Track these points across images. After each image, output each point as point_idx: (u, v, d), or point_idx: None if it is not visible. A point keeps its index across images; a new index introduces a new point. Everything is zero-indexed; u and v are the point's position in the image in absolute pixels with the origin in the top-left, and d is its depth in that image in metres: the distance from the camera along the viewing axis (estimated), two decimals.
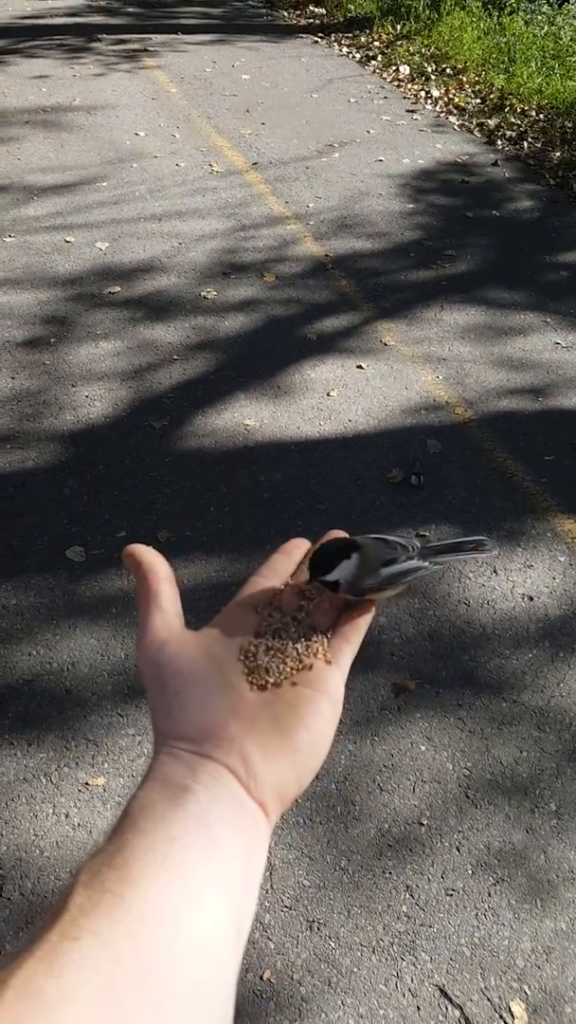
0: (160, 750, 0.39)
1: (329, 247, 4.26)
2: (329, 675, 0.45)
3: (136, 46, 7.47)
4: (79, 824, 1.84)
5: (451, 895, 1.75)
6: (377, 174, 5.15)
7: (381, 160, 5.37)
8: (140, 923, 0.32)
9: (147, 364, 3.32)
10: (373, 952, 1.66)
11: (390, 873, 1.78)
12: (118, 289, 3.77)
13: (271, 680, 0.43)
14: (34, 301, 3.64)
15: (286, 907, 1.73)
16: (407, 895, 1.75)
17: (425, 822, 1.88)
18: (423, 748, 2.02)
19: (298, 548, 0.53)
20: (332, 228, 4.46)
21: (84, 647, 2.21)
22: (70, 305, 3.64)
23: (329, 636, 0.47)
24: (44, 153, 5.10)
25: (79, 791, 1.90)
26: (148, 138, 5.43)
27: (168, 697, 0.41)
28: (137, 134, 5.48)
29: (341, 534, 0.52)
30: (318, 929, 1.70)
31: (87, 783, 1.91)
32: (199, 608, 2.32)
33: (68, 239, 4.14)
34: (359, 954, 1.66)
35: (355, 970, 1.64)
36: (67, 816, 1.85)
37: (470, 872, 1.80)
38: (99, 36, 7.65)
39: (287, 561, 0.52)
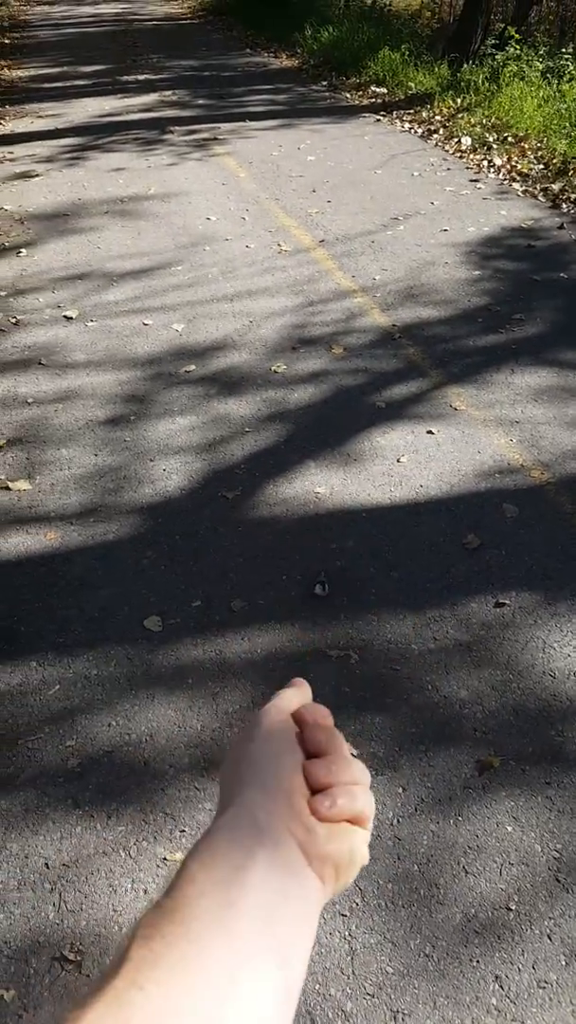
0: (237, 793, 0.42)
1: (396, 317, 4.35)
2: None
3: (206, 135, 7.90)
4: None
5: (544, 988, 1.66)
6: (442, 243, 5.26)
7: (446, 230, 5.48)
8: (201, 981, 0.34)
9: (220, 437, 3.42)
10: None
11: (477, 961, 1.71)
12: (193, 367, 3.92)
13: None
14: (115, 381, 3.81)
15: (368, 995, 1.67)
16: (496, 986, 1.67)
17: (513, 907, 1.80)
18: (509, 828, 1.95)
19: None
20: (399, 298, 4.56)
21: (161, 718, 2.24)
22: (148, 384, 3.80)
23: None
24: (122, 241, 5.40)
25: (157, 866, 1.90)
26: (219, 222, 5.70)
27: (262, 755, 0.44)
28: (209, 218, 5.76)
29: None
30: (402, 1020, 1.63)
31: (165, 858, 1.91)
32: (274, 678, 2.33)
33: (146, 322, 4.35)
34: None
35: None
36: (146, 892, 1.85)
37: (564, 963, 1.70)
38: (171, 128, 8.14)
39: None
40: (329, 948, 1.74)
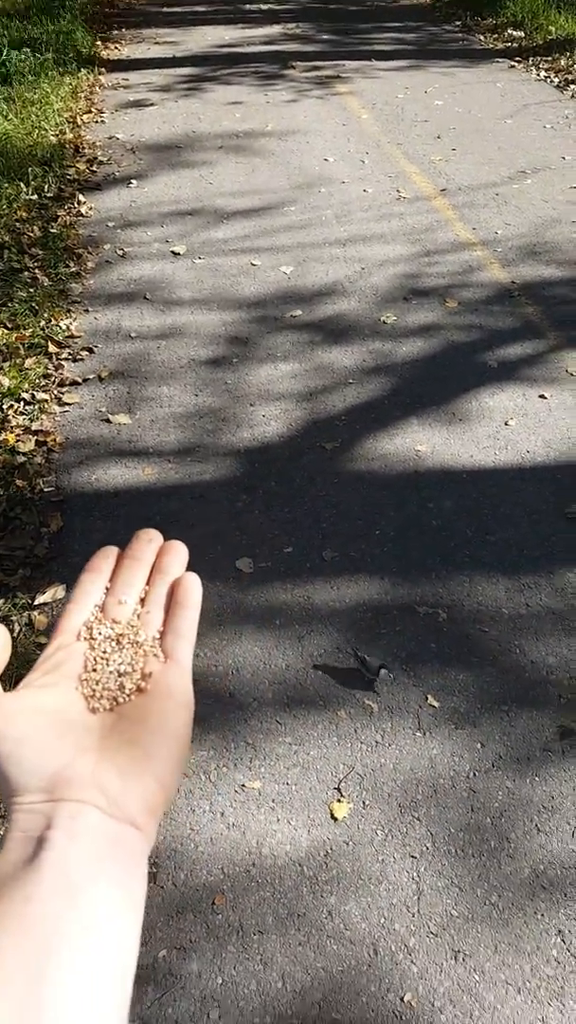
0: (13, 811, 0.39)
1: (516, 274, 4.33)
2: (171, 674, 0.46)
3: (329, 72, 7.88)
4: (233, 824, 2.00)
5: None
6: (571, 201, 5.17)
7: None
8: None
9: (322, 386, 3.52)
10: (519, 992, 1.70)
11: (542, 915, 1.82)
12: (299, 312, 4.02)
13: (115, 697, 0.45)
14: (219, 322, 3.96)
15: (432, 934, 1.80)
16: (559, 939, 1.77)
17: None
18: None
19: (106, 561, 0.52)
20: (520, 255, 4.53)
21: (248, 654, 2.40)
22: (253, 327, 3.93)
23: (160, 636, 0.48)
24: (235, 177, 5.51)
25: (235, 792, 2.06)
26: (337, 163, 5.74)
27: (1, 764, 0.41)
28: (326, 159, 5.80)
29: (154, 533, 0.54)
30: (463, 960, 1.76)
31: (244, 785, 2.08)
32: (359, 628, 2.46)
33: (254, 262, 4.47)
34: (504, 991, 1.70)
35: (498, 1007, 1.68)
36: (222, 815, 2.02)
37: None
38: (293, 63, 8.14)
39: (99, 580, 0.51)
40: (397, 885, 1.88)
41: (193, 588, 0.51)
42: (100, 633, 0.48)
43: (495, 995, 1.70)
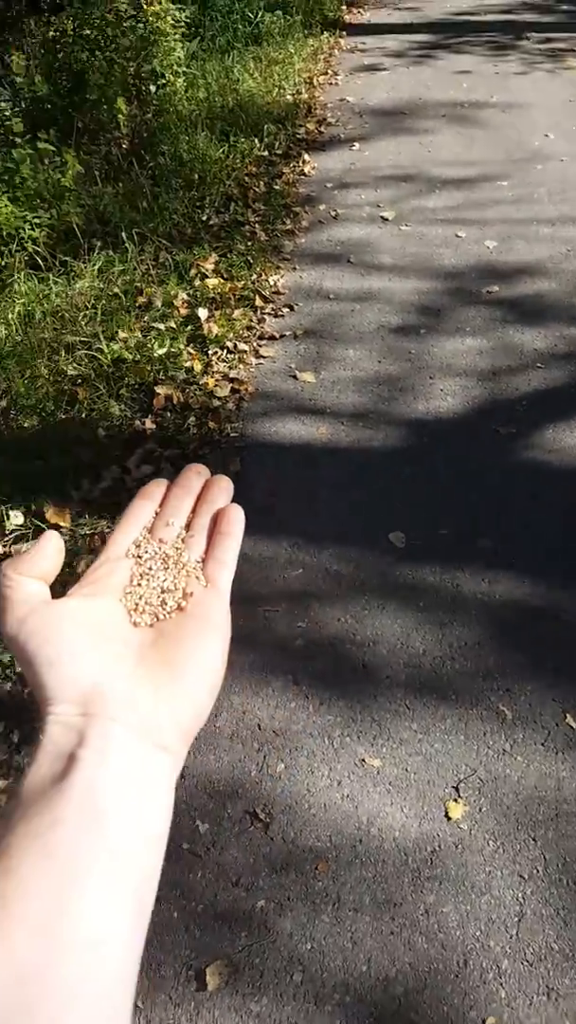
0: (46, 720, 0.36)
1: None
2: (210, 598, 0.43)
3: (563, 45, 7.04)
4: (348, 796, 1.84)
5: None
6: None
7: None
8: (17, 922, 0.29)
9: (507, 367, 3.16)
10: None
11: None
12: (496, 288, 3.62)
13: (156, 613, 0.42)
14: (414, 290, 3.64)
15: (527, 962, 1.57)
16: None
17: None
18: None
19: (158, 489, 0.49)
20: None
21: (387, 629, 2.19)
22: (447, 299, 3.58)
23: (202, 561, 0.46)
24: (453, 147, 5.04)
25: (355, 765, 1.89)
26: (558, 141, 5.11)
27: (41, 669, 0.38)
28: (547, 135, 5.19)
29: (203, 468, 0.51)
30: (556, 1000, 1.52)
31: (363, 760, 1.90)
32: (507, 628, 2.18)
33: (459, 234, 4.07)
34: None
35: None
36: (339, 784, 1.86)
37: None
38: (527, 34, 7.35)
39: (149, 505, 0.48)
40: (500, 902, 1.65)
41: (236, 517, 0.47)
42: (147, 551, 0.46)
43: None
